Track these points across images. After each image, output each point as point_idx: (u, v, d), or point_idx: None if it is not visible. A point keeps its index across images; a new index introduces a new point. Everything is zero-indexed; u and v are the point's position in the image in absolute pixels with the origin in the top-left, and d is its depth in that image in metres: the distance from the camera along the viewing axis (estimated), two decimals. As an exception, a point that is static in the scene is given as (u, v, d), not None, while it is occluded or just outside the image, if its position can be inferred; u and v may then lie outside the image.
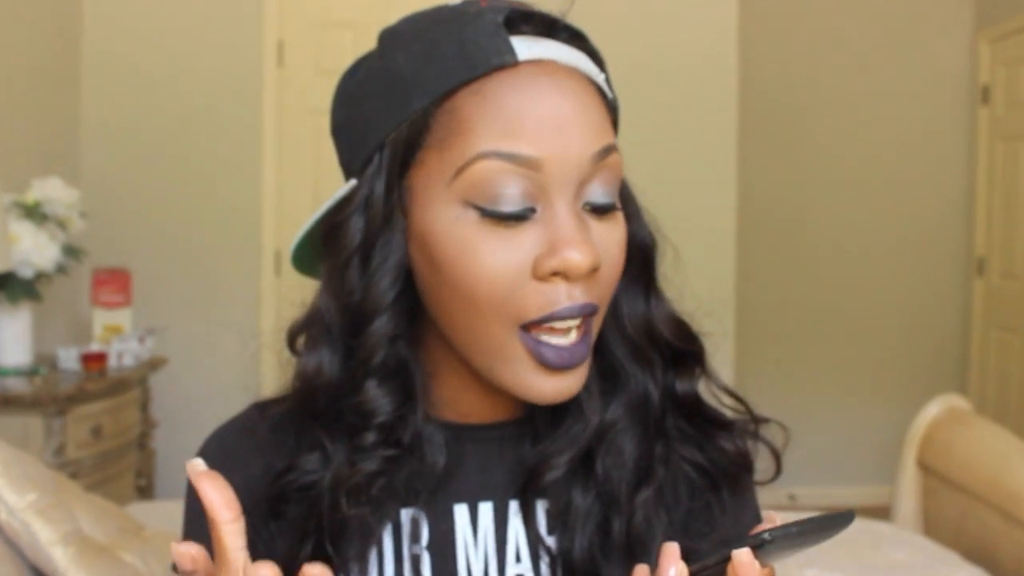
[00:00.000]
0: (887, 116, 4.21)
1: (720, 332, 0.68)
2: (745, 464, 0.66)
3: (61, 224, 2.60)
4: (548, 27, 0.58)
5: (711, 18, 3.49)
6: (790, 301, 4.20)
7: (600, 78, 0.60)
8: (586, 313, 0.56)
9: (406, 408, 0.60)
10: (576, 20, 0.61)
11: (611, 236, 0.57)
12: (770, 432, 0.67)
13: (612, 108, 0.62)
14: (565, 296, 0.55)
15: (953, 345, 4.29)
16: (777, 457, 0.66)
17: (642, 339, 0.63)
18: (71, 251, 2.62)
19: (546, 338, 0.56)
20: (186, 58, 3.33)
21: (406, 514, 0.63)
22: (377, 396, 0.59)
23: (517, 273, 0.54)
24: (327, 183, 3.20)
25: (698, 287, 0.68)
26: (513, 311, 0.55)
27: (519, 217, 0.54)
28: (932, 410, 2.27)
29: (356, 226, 0.58)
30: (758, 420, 0.66)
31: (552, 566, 0.63)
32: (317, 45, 3.36)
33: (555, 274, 0.54)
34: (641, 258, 0.64)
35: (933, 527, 2.17)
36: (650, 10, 3.46)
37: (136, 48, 3.33)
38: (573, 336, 0.56)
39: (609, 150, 0.56)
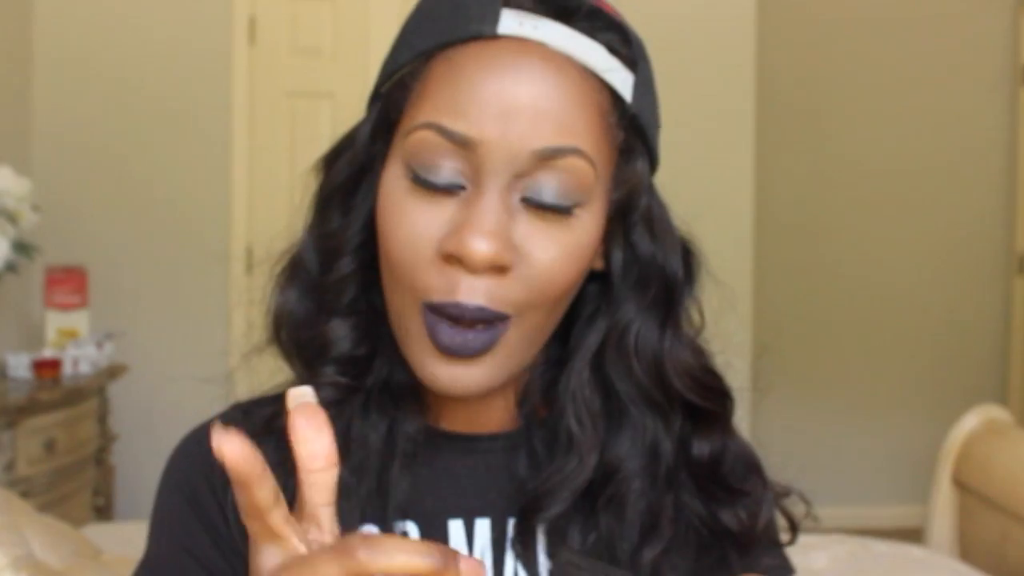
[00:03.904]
0: (919, 100, 4.22)
1: (738, 341, 0.68)
2: (751, 540, 0.66)
3: (11, 218, 2.60)
4: (564, 9, 0.58)
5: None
6: (813, 305, 4.20)
7: (613, 75, 0.59)
8: (488, 319, 0.56)
9: (367, 348, 0.64)
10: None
11: (551, 241, 0.57)
12: (785, 472, 0.69)
13: (627, 115, 0.60)
14: (463, 288, 0.56)
15: (992, 351, 4.30)
16: (794, 528, 0.69)
17: (651, 380, 0.63)
18: (22, 248, 2.62)
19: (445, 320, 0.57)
20: (148, 36, 3.33)
21: (398, 527, 0.64)
22: (338, 330, 0.63)
23: (425, 245, 0.57)
24: (305, 173, 3.19)
25: (712, 295, 0.68)
26: (418, 286, 0.57)
27: (445, 189, 0.57)
28: (969, 422, 2.28)
29: (343, 163, 0.64)
30: (768, 491, 0.67)
31: None
32: (292, 21, 3.36)
33: (456, 258, 0.56)
34: (662, 286, 0.64)
35: (970, 550, 2.18)
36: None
37: (93, 26, 3.32)
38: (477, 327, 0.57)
39: (564, 152, 0.56)
